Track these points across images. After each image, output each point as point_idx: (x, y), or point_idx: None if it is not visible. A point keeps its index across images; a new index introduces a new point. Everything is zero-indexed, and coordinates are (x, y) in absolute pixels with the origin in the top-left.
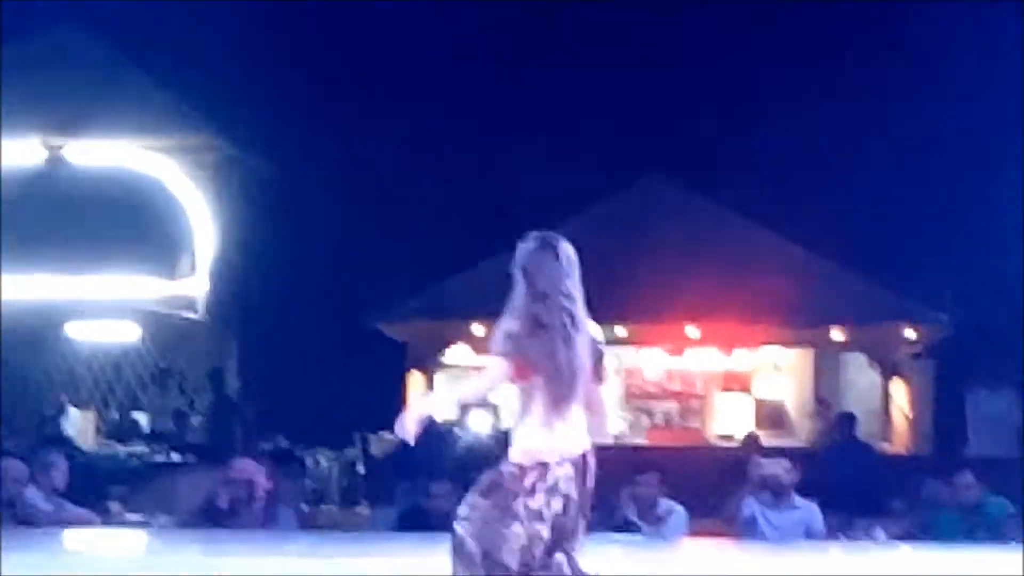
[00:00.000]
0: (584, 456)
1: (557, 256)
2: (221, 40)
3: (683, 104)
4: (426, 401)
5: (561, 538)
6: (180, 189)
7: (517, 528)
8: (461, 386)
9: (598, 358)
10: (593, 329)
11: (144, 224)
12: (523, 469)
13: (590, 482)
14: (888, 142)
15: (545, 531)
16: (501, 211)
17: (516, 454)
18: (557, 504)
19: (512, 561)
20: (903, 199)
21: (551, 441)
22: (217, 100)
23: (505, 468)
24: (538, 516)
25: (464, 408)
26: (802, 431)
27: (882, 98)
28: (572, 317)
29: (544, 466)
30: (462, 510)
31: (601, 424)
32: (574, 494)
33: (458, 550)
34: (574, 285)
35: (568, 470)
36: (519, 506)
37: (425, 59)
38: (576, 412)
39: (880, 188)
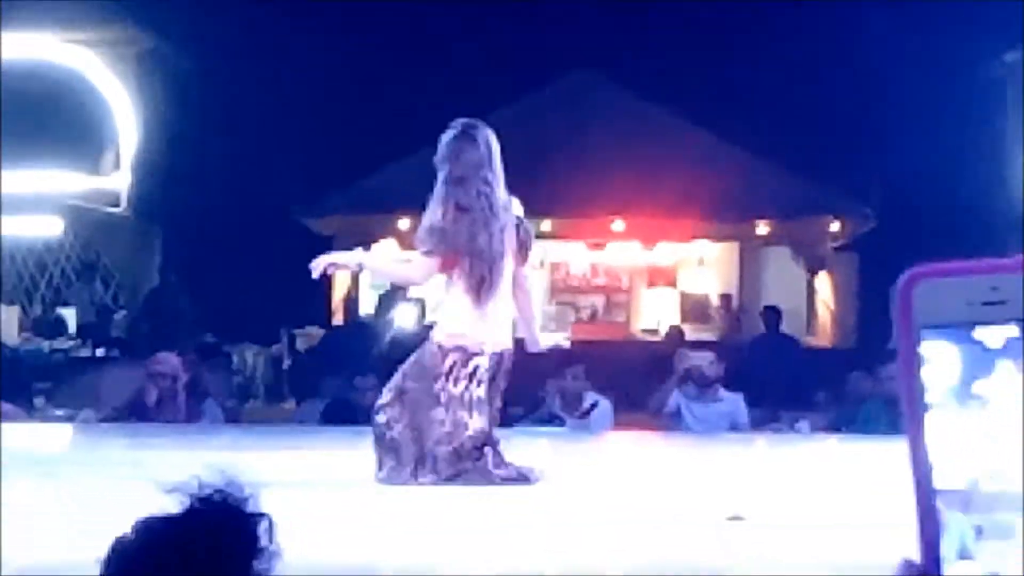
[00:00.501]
0: (502, 354)
1: (475, 142)
2: None
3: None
4: (344, 254)
5: (488, 428)
6: (103, 83)
7: (440, 412)
8: (387, 265)
9: (523, 241)
10: (517, 209)
11: (67, 118)
12: (444, 350)
13: (503, 380)
14: (814, 36)
15: (467, 417)
16: (428, 104)
17: (439, 334)
18: (479, 391)
19: (439, 448)
20: (826, 92)
21: (473, 329)
22: None
23: (426, 349)
24: (460, 401)
25: (388, 301)
26: (726, 325)
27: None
28: (490, 201)
29: (464, 351)
30: (384, 396)
31: (527, 307)
32: (487, 385)
33: (380, 440)
34: (492, 171)
35: (486, 360)
36: (440, 389)
37: None
38: (500, 303)
39: (804, 81)
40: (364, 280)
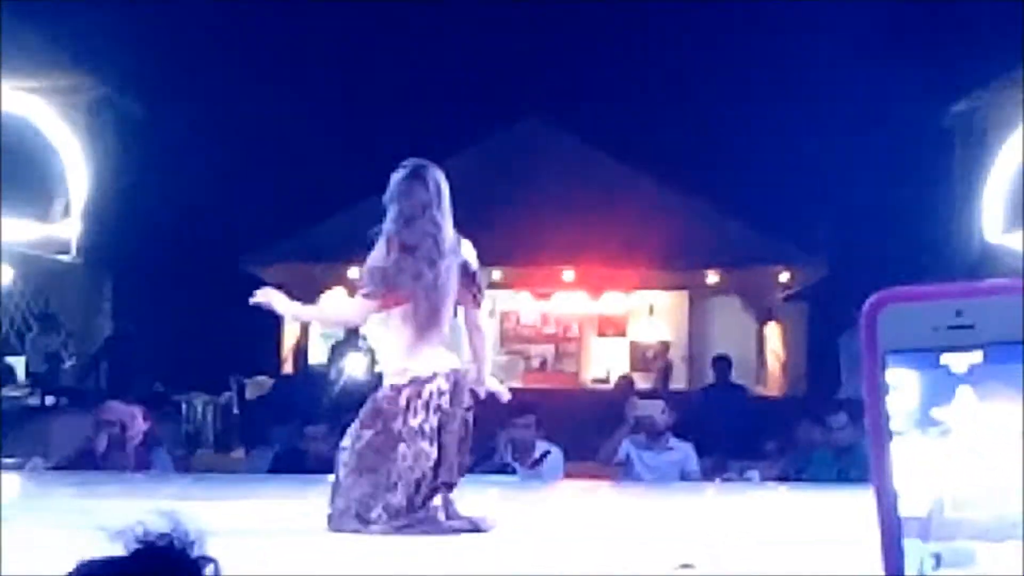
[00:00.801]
0: (455, 372)
1: (424, 182)
2: None
3: (563, 47)
4: (283, 302)
5: (445, 460)
6: (53, 130)
7: (402, 448)
8: (318, 309)
9: (471, 281)
10: (466, 252)
11: (16, 166)
12: (397, 389)
13: (466, 399)
14: (766, 85)
15: (428, 448)
16: (378, 152)
17: (388, 375)
18: (434, 420)
19: (393, 495)
20: (778, 142)
21: (420, 360)
22: (89, 40)
23: (380, 394)
24: (420, 433)
25: (341, 349)
26: (677, 374)
27: (759, 41)
28: (436, 241)
29: (416, 381)
30: (344, 440)
31: (481, 348)
32: (450, 408)
33: (335, 486)
34: (440, 211)
35: (441, 383)
36: (399, 426)
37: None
38: (445, 339)
39: (756, 131)
40: (314, 329)
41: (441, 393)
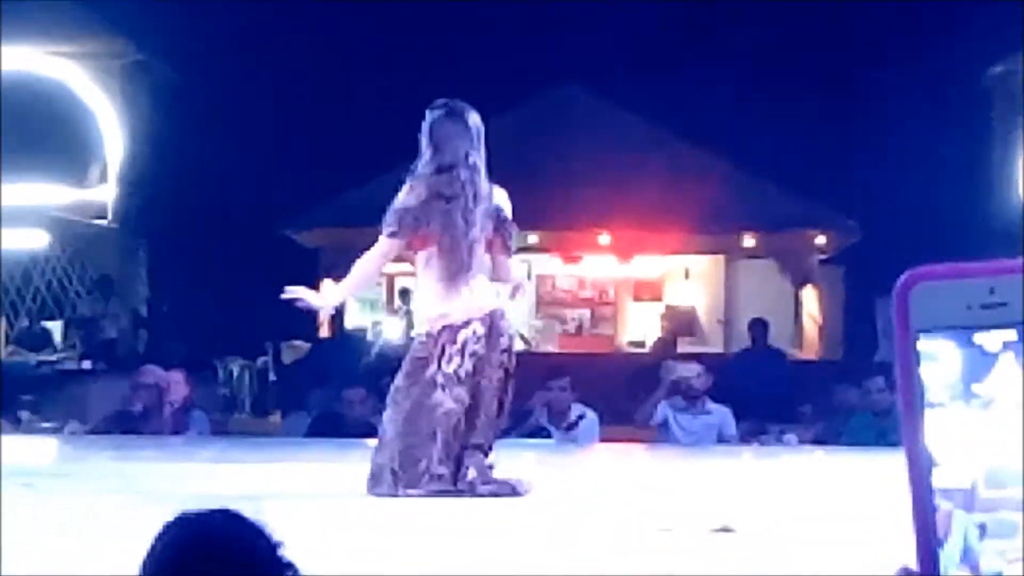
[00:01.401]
0: (491, 315)
1: (466, 125)
2: None
3: (600, 12)
4: (317, 294)
5: (482, 405)
6: (88, 95)
7: (438, 395)
8: (349, 280)
9: (503, 227)
10: (499, 197)
11: (52, 131)
12: (431, 336)
13: (503, 342)
14: (798, 49)
15: (465, 395)
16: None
17: (422, 325)
18: (469, 365)
19: (439, 440)
20: (814, 105)
21: (453, 306)
22: (124, 4)
23: (415, 342)
24: (455, 379)
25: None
26: (713, 337)
27: (795, 8)
28: (475, 188)
29: (450, 328)
30: (388, 400)
31: (512, 292)
32: (485, 352)
33: (379, 443)
34: (479, 155)
35: (477, 328)
36: (434, 372)
37: None
38: (477, 282)
39: (790, 95)
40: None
41: (477, 339)
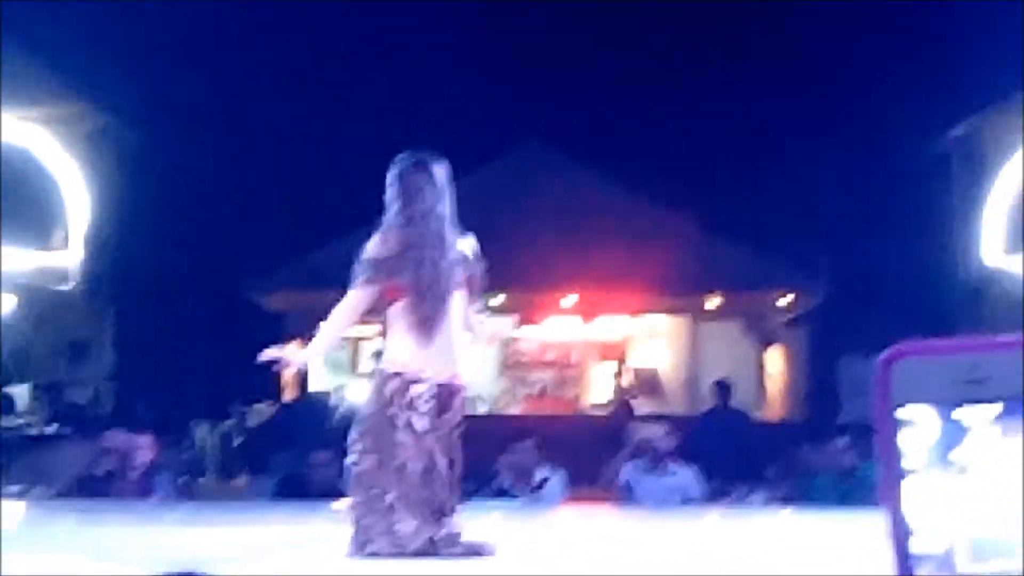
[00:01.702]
0: (451, 383)
1: (433, 175)
2: (93, 8)
3: (563, 72)
4: (295, 350)
5: (435, 464)
6: (53, 160)
7: (401, 436)
8: (327, 330)
9: (472, 275)
10: (465, 246)
11: (16, 195)
12: (384, 375)
13: (455, 402)
14: (766, 111)
15: (416, 448)
16: (378, 178)
17: (383, 362)
18: (421, 423)
19: (398, 478)
20: (777, 167)
21: (414, 359)
22: (89, 69)
23: (375, 374)
24: (410, 428)
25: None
26: (676, 399)
27: (758, 68)
28: (443, 239)
29: (401, 377)
30: (352, 435)
31: (478, 338)
32: (435, 410)
33: (354, 482)
34: (445, 206)
35: (425, 389)
36: (393, 414)
37: (301, 22)
38: (447, 336)
39: (754, 156)
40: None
41: (427, 398)
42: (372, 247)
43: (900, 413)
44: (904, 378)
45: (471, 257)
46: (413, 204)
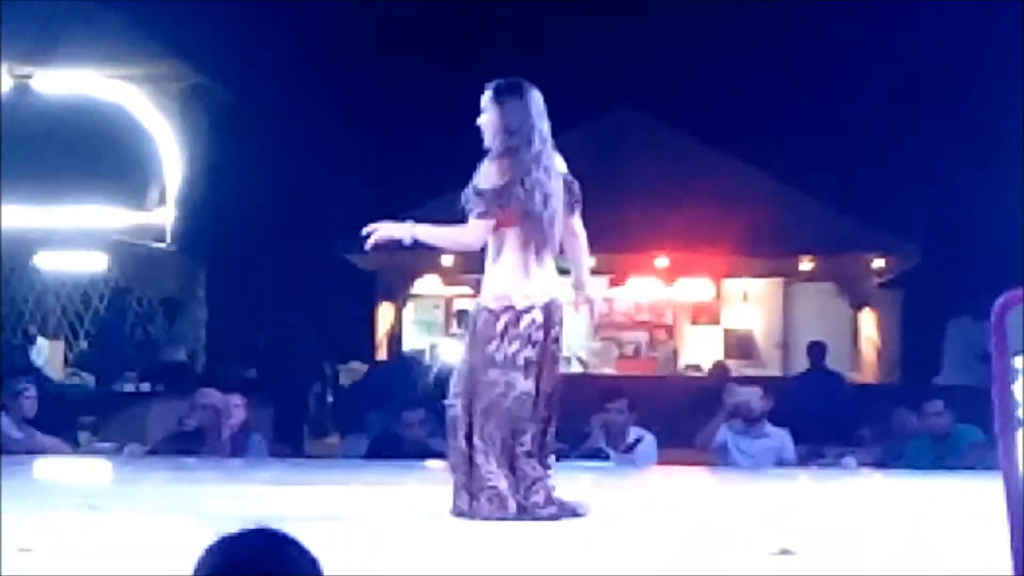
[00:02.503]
0: (550, 304)
1: (530, 99)
2: None
3: (656, 35)
4: (396, 225)
5: (541, 394)
6: (148, 118)
7: (495, 374)
8: (439, 232)
9: (572, 196)
10: (560, 165)
11: (112, 154)
12: (495, 313)
13: (555, 332)
14: (858, 70)
15: (520, 380)
16: (471, 141)
17: (487, 298)
18: (529, 352)
19: (495, 418)
20: (873, 127)
21: (521, 286)
22: (184, 27)
23: (478, 312)
24: (512, 363)
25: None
26: (771, 361)
27: (852, 27)
28: (548, 161)
29: (513, 310)
30: (452, 383)
31: (578, 253)
32: (543, 340)
33: (449, 423)
34: (546, 127)
35: (537, 316)
36: (495, 351)
37: None
38: (550, 262)
39: (849, 117)
40: (407, 316)
41: (537, 326)
42: (485, 177)
43: (1016, 362)
44: (1020, 326)
45: (566, 174)
46: (517, 129)
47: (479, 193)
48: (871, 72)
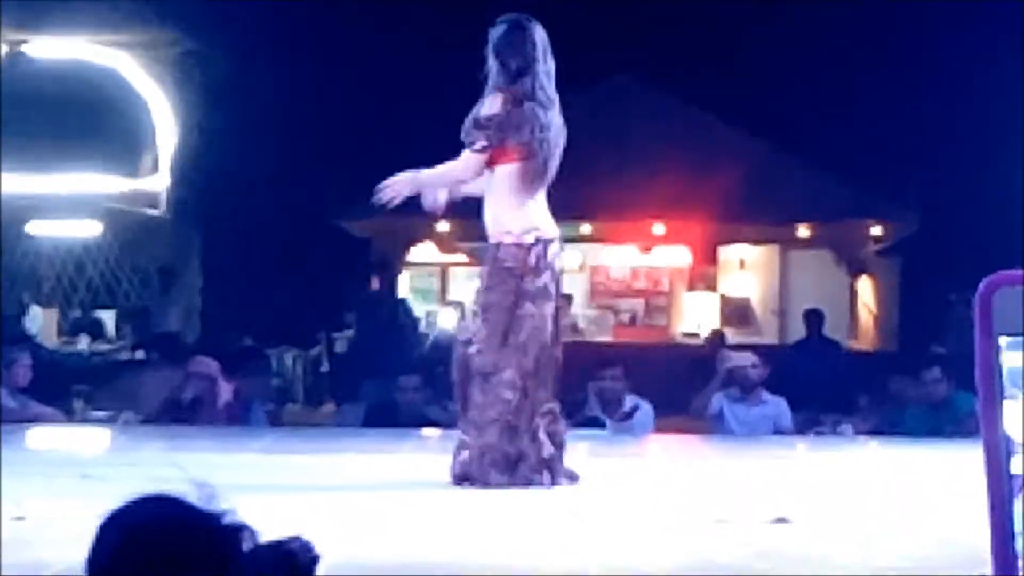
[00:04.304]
0: (559, 237)
1: (531, 34)
2: None
3: (655, 2)
4: (398, 178)
5: (558, 332)
6: (141, 85)
7: (528, 307)
8: (435, 174)
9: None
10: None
11: (105, 121)
12: (521, 247)
13: (561, 266)
14: (854, 39)
15: (550, 309)
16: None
17: (504, 233)
18: (555, 283)
19: (531, 351)
20: (870, 94)
21: (541, 219)
22: None
23: (502, 251)
24: (544, 294)
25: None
26: (768, 328)
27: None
28: (548, 94)
29: (543, 242)
30: (471, 328)
31: None
32: (559, 273)
33: (461, 366)
34: (548, 65)
35: (555, 247)
36: (526, 284)
37: None
38: (543, 194)
39: (846, 84)
40: (403, 284)
41: (561, 256)
42: (484, 108)
43: (1000, 341)
44: (1005, 308)
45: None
46: (514, 62)
47: (478, 125)
48: (871, 39)
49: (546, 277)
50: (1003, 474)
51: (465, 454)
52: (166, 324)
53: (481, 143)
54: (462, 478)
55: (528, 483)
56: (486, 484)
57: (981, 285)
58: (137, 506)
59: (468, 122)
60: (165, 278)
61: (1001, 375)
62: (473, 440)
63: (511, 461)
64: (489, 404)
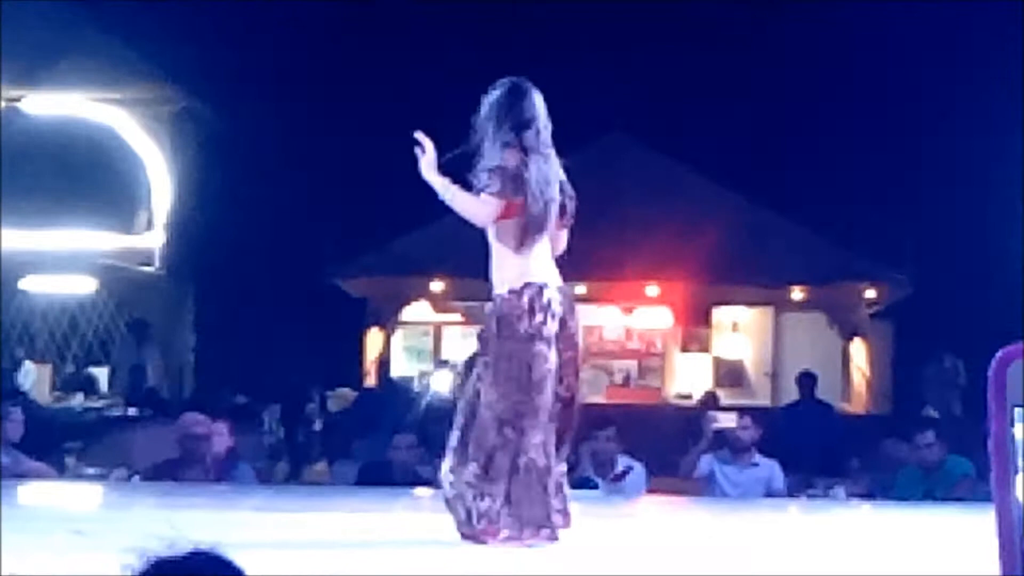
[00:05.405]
0: (563, 288)
1: (530, 95)
2: None
3: (649, 64)
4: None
5: (566, 369)
6: (137, 142)
7: (540, 347)
8: (463, 196)
9: (566, 201)
10: (559, 172)
11: (101, 177)
12: (513, 293)
13: (578, 315)
14: (848, 102)
15: (547, 352)
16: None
17: (502, 286)
18: (554, 326)
19: (546, 391)
20: (864, 158)
21: (533, 266)
22: (173, 52)
23: (498, 304)
24: (539, 335)
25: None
26: (761, 390)
27: (840, 59)
28: (551, 150)
29: (535, 286)
30: (464, 380)
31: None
32: (566, 318)
33: (465, 427)
34: (548, 125)
35: (556, 294)
36: (527, 327)
37: (386, 9)
38: (543, 247)
39: (841, 148)
40: (396, 343)
41: (559, 302)
42: (493, 158)
43: (1015, 412)
44: (1018, 379)
45: (565, 180)
46: (522, 119)
47: (489, 171)
48: (864, 103)
49: (539, 318)
50: (1016, 542)
51: (483, 506)
52: (159, 381)
53: (496, 188)
54: (483, 533)
55: (553, 537)
56: (518, 539)
57: (995, 359)
58: (187, 559)
59: (480, 171)
60: (156, 334)
61: (1015, 445)
62: (495, 491)
63: (542, 513)
64: (507, 451)
